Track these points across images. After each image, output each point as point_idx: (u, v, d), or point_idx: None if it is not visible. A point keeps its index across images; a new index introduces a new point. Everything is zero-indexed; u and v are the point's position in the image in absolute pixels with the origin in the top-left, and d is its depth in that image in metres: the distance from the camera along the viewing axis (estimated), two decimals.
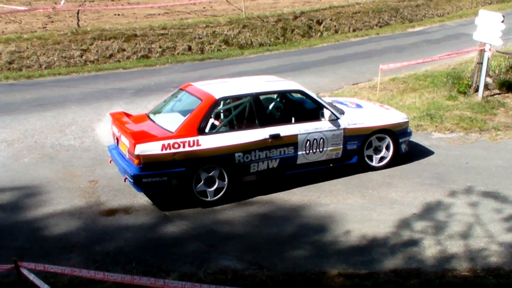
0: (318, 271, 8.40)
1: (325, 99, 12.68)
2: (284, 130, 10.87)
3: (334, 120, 11.33)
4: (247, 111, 11.13)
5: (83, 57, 22.14)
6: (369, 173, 11.77)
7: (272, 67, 21.51)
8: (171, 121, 10.60)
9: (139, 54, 23.26)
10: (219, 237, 9.38)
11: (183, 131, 10.10)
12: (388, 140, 12.01)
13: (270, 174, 11.06)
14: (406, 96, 17.07)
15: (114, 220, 9.89)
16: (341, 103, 12.73)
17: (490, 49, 16.27)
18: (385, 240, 9.28)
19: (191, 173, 10.15)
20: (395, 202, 10.66)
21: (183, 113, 10.72)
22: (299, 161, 11.21)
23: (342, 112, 11.75)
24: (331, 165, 11.59)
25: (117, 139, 10.81)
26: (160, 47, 23.88)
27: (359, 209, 10.38)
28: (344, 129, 11.42)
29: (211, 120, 10.68)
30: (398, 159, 12.30)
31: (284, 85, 11.86)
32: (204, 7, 30.57)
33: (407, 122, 12.51)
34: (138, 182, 9.88)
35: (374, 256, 8.83)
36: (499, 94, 17.50)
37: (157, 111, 11.37)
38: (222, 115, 11.25)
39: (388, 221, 9.89)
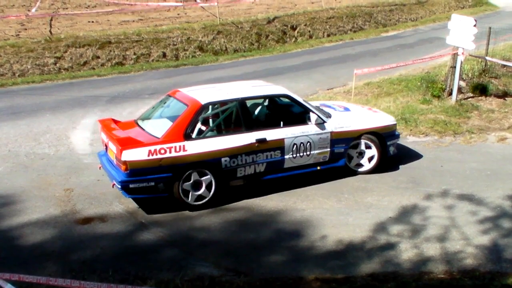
0: (296, 276, 8.40)
1: (313, 103, 12.72)
2: (271, 134, 10.94)
3: (320, 124, 11.37)
4: (233, 116, 11.20)
5: (57, 65, 22.02)
6: (345, 178, 11.77)
7: (247, 73, 21.53)
8: (158, 127, 10.68)
9: (114, 61, 23.19)
10: (196, 244, 9.35)
11: (169, 137, 10.20)
12: (376, 142, 12.02)
13: (257, 178, 11.10)
14: (380, 101, 17.14)
15: (90, 228, 9.82)
16: (329, 106, 12.79)
17: (463, 53, 16.39)
18: (361, 244, 9.30)
19: (178, 178, 10.23)
20: (371, 206, 10.70)
21: (170, 119, 10.81)
22: (286, 165, 11.27)
23: (329, 116, 11.79)
24: (318, 168, 11.62)
25: (106, 146, 10.85)
26: (134, 54, 23.83)
27: (335, 213, 10.40)
28: (331, 132, 11.47)
29: (198, 126, 10.69)
30: (386, 162, 12.37)
31: (271, 89, 11.87)
32: (178, 14, 30.57)
33: (395, 124, 12.59)
34: (126, 187, 9.99)
35: (351, 260, 8.84)
36: (472, 97, 17.63)
37: (145, 117, 11.43)
38: (208, 120, 11.27)
39: (364, 225, 9.91)
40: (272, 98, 12.05)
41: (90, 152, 13.22)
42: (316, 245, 9.28)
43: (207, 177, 10.49)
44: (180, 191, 10.34)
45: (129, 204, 10.61)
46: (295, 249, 9.21)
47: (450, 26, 16.56)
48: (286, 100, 11.75)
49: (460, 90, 17.33)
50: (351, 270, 8.58)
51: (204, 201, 10.59)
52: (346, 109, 12.71)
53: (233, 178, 10.83)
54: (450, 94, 17.14)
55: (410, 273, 8.50)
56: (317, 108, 11.98)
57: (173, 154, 10.11)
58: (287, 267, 8.68)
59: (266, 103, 12.19)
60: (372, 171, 12.14)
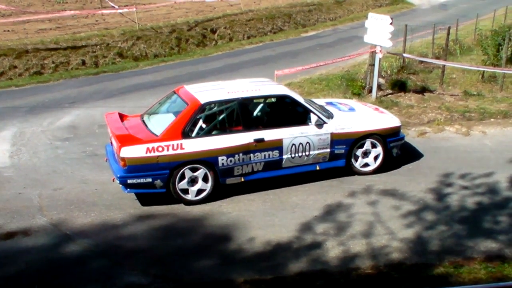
0: (225, 279, 8.40)
1: (318, 101, 12.87)
2: (269, 134, 11.05)
3: (320, 125, 11.41)
4: (233, 115, 11.39)
5: None
6: (269, 179, 11.64)
7: (168, 77, 21.40)
8: (159, 124, 10.99)
9: (32, 71, 22.68)
10: (123, 253, 9.22)
11: (168, 135, 10.49)
12: (378, 144, 11.99)
13: (255, 177, 11.25)
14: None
15: (13, 243, 9.55)
16: (334, 105, 12.79)
17: (381, 51, 16.62)
18: (289, 244, 9.33)
19: (175, 175, 10.50)
20: (297, 206, 10.76)
21: (171, 116, 11.09)
22: (284, 165, 11.36)
23: (330, 116, 11.83)
24: (318, 168, 11.66)
25: (111, 140, 11.12)
26: (53, 62, 23.37)
27: (261, 215, 10.41)
28: (331, 133, 11.50)
29: (196, 124, 10.81)
30: (389, 163, 12.40)
31: (272, 89, 11.97)
32: (96, 20, 30.20)
33: (399, 126, 12.52)
34: (124, 182, 10.42)
35: (279, 260, 8.87)
36: (392, 93, 17.91)
37: (150, 113, 11.70)
38: (207, 119, 11.19)
39: (290, 225, 9.95)
40: (273, 98, 12.15)
41: (10, 164, 12.89)
42: (244, 248, 9.28)
43: (202, 172, 10.69)
44: (177, 187, 10.57)
45: (53, 216, 10.38)
46: (223, 252, 9.19)
47: (367, 24, 16.79)
48: (287, 100, 11.78)
49: (379, 87, 17.57)
50: (280, 270, 8.61)
51: (201, 196, 10.81)
52: (351, 109, 12.68)
53: (230, 177, 10.95)
54: (370, 91, 17.37)
55: (338, 270, 8.60)
56: (320, 108, 12.05)
57: (171, 152, 10.40)
58: (216, 271, 8.66)
59: (266, 103, 12.28)
60: (376, 171, 12.15)
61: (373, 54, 17.01)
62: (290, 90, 12.16)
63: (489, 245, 9.31)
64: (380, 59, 16.88)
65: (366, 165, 12.11)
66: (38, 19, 28.69)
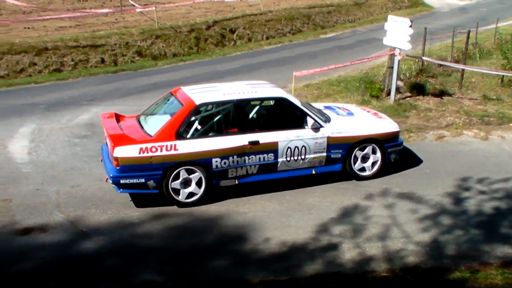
0: (240, 279, 8.40)
1: (316, 105, 12.80)
2: (264, 137, 10.98)
3: (317, 128, 11.31)
4: (228, 117, 11.32)
5: None
6: (286, 179, 11.66)
7: (186, 77, 21.39)
8: (154, 124, 10.91)
9: (51, 68, 22.74)
10: (138, 251, 9.24)
11: (162, 136, 10.43)
12: (376, 149, 11.88)
13: (250, 180, 11.18)
14: (320, 102, 17.21)
15: (30, 239, 9.59)
16: (333, 109, 12.69)
17: (400, 53, 16.58)
18: (304, 246, 9.32)
19: (168, 176, 10.45)
20: (313, 207, 10.74)
21: (167, 117, 10.96)
22: (279, 168, 11.28)
23: (327, 120, 11.75)
24: (314, 172, 11.60)
25: (106, 140, 11.13)
26: (72, 60, 23.42)
27: (277, 216, 10.41)
28: (327, 137, 11.40)
29: (191, 125, 10.81)
30: (386, 168, 12.28)
31: (269, 92, 11.86)
32: (116, 19, 30.25)
33: (398, 132, 12.41)
34: (117, 182, 10.35)
35: (294, 262, 8.86)
36: (410, 96, 17.87)
37: (146, 114, 11.65)
38: (202, 120, 11.17)
39: (306, 226, 9.95)
40: (269, 101, 12.13)
41: (28, 161, 12.96)
42: (260, 248, 9.28)
43: (196, 175, 10.64)
44: (170, 189, 10.54)
45: (70, 213, 10.43)
46: (238, 252, 9.19)
47: (386, 27, 16.75)
48: (283, 103, 11.70)
49: (398, 90, 17.54)
50: (295, 272, 8.59)
51: (194, 198, 10.76)
52: (350, 114, 12.56)
53: (224, 179, 10.90)
54: (389, 94, 17.34)
55: (353, 272, 8.57)
56: (317, 111, 11.98)
57: (164, 152, 10.34)
58: (230, 271, 8.67)
59: (262, 106, 12.24)
60: (373, 176, 12.06)
61: (392, 56, 16.98)
62: (287, 93, 12.08)
63: (506, 250, 9.25)
64: (399, 61, 16.85)
65: (363, 169, 11.99)
66: (58, 17, 28.79)
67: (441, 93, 18.36)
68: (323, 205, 10.84)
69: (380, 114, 13.29)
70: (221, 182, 10.92)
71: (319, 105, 13.05)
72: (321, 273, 8.54)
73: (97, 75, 22.59)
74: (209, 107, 11.29)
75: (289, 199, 11.09)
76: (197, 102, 10.82)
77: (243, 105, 11.36)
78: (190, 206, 10.73)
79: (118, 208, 10.63)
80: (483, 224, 10.13)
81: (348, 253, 9.10)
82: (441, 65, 20.43)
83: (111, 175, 10.38)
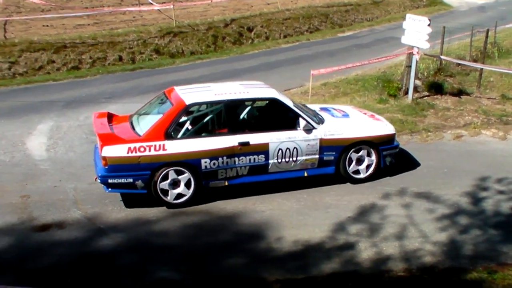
0: (256, 277, 8.42)
1: (312, 106, 12.71)
2: (255, 138, 10.86)
3: (309, 130, 11.15)
4: (218, 117, 11.25)
5: (12, 70, 21.59)
6: (304, 178, 11.65)
7: (204, 75, 21.41)
8: (144, 124, 10.83)
9: (69, 66, 22.82)
10: (154, 249, 9.28)
11: (151, 135, 10.36)
12: (370, 152, 11.70)
13: (240, 182, 11.07)
14: (337, 101, 17.19)
15: (48, 235, 9.66)
16: (328, 111, 12.51)
17: (418, 52, 16.52)
18: (321, 245, 9.33)
19: (156, 176, 10.38)
20: (330, 206, 10.74)
21: (158, 117, 10.84)
22: (270, 170, 11.15)
23: (320, 122, 11.56)
24: (306, 174, 11.45)
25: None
26: (90, 57, 23.50)
27: (294, 214, 10.41)
28: (320, 139, 11.23)
29: (180, 125, 10.76)
30: (381, 171, 12.09)
31: (261, 92, 11.63)
32: (134, 17, 30.33)
33: (393, 134, 12.15)
34: (105, 182, 10.31)
35: (311, 261, 8.87)
36: (428, 96, 17.79)
37: (139, 113, 11.54)
38: (192, 120, 11.13)
39: (323, 225, 9.94)
40: (261, 102, 11.99)
41: (46, 158, 13.04)
42: (276, 247, 9.29)
43: (185, 175, 10.56)
44: (158, 189, 10.47)
45: (88, 209, 10.50)
46: (254, 251, 9.21)
47: (405, 25, 16.69)
48: (275, 104, 11.51)
49: (416, 89, 17.47)
50: (311, 270, 8.61)
51: (183, 199, 10.68)
52: (345, 115, 12.36)
53: (213, 180, 10.82)
54: (406, 93, 17.28)
55: (370, 272, 8.57)
56: (311, 112, 11.82)
57: (153, 152, 10.27)
58: (247, 269, 8.69)
59: (254, 106, 12.10)
60: (368, 179, 11.86)
61: (410, 55, 16.92)
62: (280, 94, 11.84)
63: None
64: (417, 60, 16.79)
65: (357, 172, 11.80)
66: (76, 15, 28.91)
67: (459, 92, 18.28)
68: (340, 204, 10.83)
69: (377, 116, 13.07)
70: (210, 183, 10.81)
71: (315, 106, 12.91)
72: (337, 272, 8.55)
73: (115, 73, 22.66)
74: (200, 107, 11.25)
75: (306, 198, 11.08)
76: (187, 102, 10.74)
77: (234, 106, 11.28)
78: (179, 207, 10.66)
79: (136, 205, 10.66)
80: (501, 224, 10.09)
81: (365, 252, 9.09)
82: (459, 64, 20.32)
83: (99, 175, 10.34)
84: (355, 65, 18.47)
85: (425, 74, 19.35)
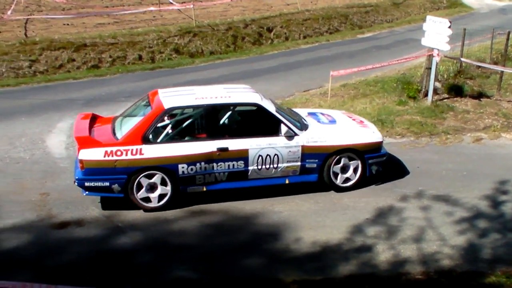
0: (273, 278, 8.43)
1: (300, 111, 12.60)
2: (234, 143, 10.68)
3: (290, 136, 10.90)
4: (198, 122, 11.12)
5: (32, 68, 21.77)
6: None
7: (224, 75, 21.47)
8: (124, 127, 10.73)
9: (89, 64, 22.98)
10: (172, 248, 9.32)
11: (128, 139, 10.27)
12: (355, 160, 11.41)
13: (219, 187, 10.92)
14: (357, 102, 17.18)
15: (66, 233, 9.74)
16: (315, 116, 12.31)
17: (438, 54, 16.45)
18: (338, 246, 9.32)
19: (133, 181, 10.31)
20: (348, 207, 10.73)
21: (137, 120, 10.72)
22: (250, 176, 10.98)
23: (304, 128, 11.31)
24: (287, 182, 11.22)
25: None
26: (110, 56, 23.65)
27: (312, 215, 10.41)
28: (302, 146, 10.97)
29: (159, 129, 10.61)
30: (366, 179, 11.82)
31: (243, 97, 11.32)
32: (154, 16, 30.46)
33: (380, 142, 11.80)
34: (82, 185, 10.31)
35: (328, 262, 8.87)
36: (448, 98, 17.71)
37: (122, 115, 11.50)
38: (170, 124, 10.96)
39: (341, 227, 9.94)
40: (242, 107, 11.70)
41: (66, 156, 13.13)
42: (293, 247, 9.30)
43: (158, 177, 10.45)
44: (137, 196, 10.43)
45: (106, 208, 10.57)
46: (272, 251, 9.22)
47: (425, 27, 16.62)
48: (256, 109, 11.21)
49: (435, 91, 17.40)
50: (329, 272, 8.61)
51: (164, 201, 10.59)
52: (332, 121, 12.10)
53: (191, 185, 10.70)
54: (426, 95, 17.21)
55: (387, 274, 8.55)
56: (296, 118, 11.62)
57: (129, 156, 10.20)
58: (264, 269, 8.71)
59: (235, 111, 11.80)
60: (353, 186, 11.56)
61: (430, 57, 16.85)
62: (264, 98, 11.34)
63: None
64: (437, 62, 16.72)
65: (344, 180, 11.48)
66: (96, 13, 29.06)
67: (479, 95, 18.18)
68: (358, 205, 10.82)
69: (366, 122, 12.71)
70: (188, 188, 10.69)
71: (303, 111, 12.69)
72: (355, 274, 8.55)
73: (134, 72, 22.77)
74: (179, 111, 11.07)
75: (324, 199, 11.08)
76: (166, 106, 10.58)
77: (214, 110, 10.95)
78: (155, 211, 10.54)
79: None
80: None
81: (383, 254, 9.08)
82: (479, 66, 20.21)
83: (77, 177, 10.33)
84: (375, 66, 18.43)
85: (445, 76, 19.27)
